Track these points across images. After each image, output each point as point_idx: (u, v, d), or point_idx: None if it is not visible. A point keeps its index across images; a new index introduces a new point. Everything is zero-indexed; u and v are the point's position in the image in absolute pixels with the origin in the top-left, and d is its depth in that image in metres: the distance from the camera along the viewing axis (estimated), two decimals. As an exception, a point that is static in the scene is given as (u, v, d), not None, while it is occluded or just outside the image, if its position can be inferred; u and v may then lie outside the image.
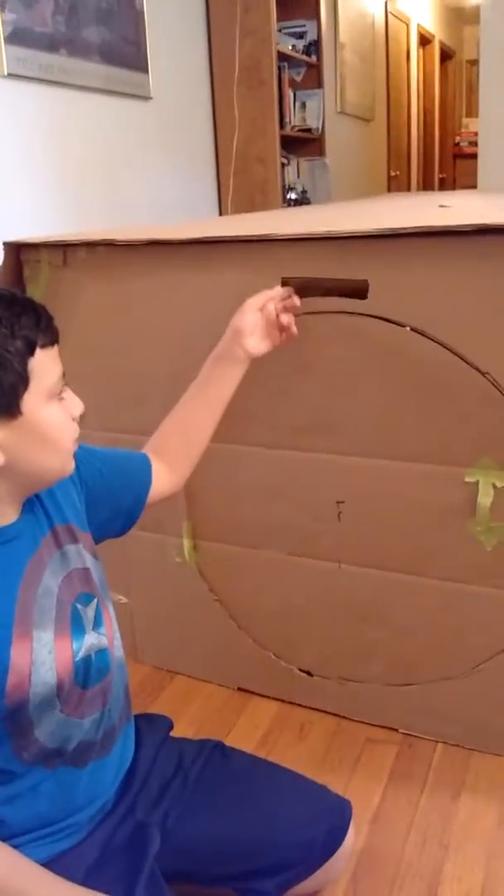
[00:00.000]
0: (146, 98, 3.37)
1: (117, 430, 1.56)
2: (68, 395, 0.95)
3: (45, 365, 0.89)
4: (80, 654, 0.98)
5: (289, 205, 4.16)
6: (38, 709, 0.93)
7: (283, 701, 1.66)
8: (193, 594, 1.67)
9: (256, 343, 1.25)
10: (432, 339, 1.30)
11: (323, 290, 1.30)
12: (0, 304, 0.86)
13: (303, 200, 4.32)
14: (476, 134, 4.03)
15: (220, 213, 4.00)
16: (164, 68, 3.46)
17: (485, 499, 1.34)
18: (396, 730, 1.56)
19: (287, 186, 4.19)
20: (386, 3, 6.09)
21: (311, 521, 1.50)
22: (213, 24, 3.79)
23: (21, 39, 2.65)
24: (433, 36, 7.73)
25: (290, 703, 1.65)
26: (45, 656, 0.93)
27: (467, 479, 1.34)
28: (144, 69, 3.32)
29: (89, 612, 1.01)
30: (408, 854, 1.29)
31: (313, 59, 4.46)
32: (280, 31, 4.03)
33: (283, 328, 1.26)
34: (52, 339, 0.91)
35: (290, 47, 4.26)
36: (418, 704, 1.52)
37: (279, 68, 3.91)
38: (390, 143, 6.50)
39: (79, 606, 1.00)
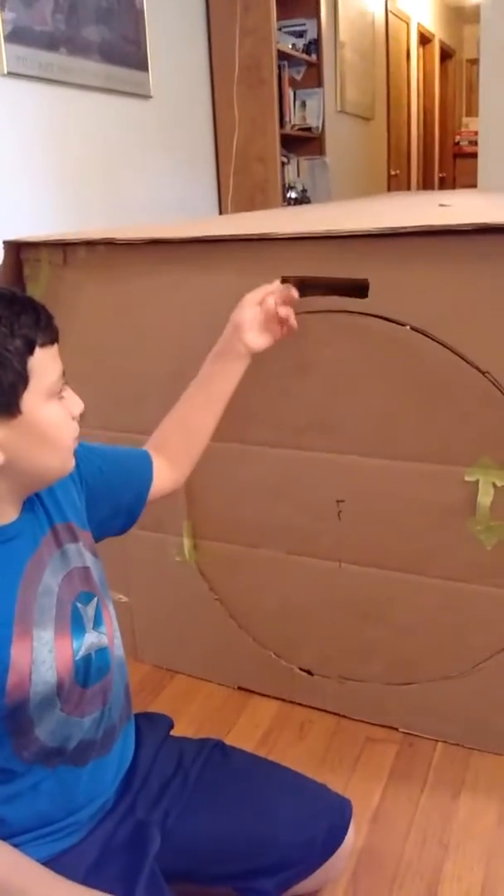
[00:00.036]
0: (146, 97, 3.37)
1: (117, 429, 1.56)
2: (68, 393, 0.95)
3: (44, 364, 0.89)
4: (81, 653, 0.98)
5: (289, 204, 4.16)
6: (39, 708, 0.93)
7: (283, 700, 1.66)
8: (194, 593, 1.67)
9: (256, 337, 1.25)
10: (432, 339, 1.30)
11: (322, 288, 1.30)
12: (0, 302, 0.86)
13: (303, 199, 4.32)
14: (476, 133, 4.03)
15: (220, 212, 4.00)
16: (164, 67, 3.46)
17: (485, 498, 1.34)
18: (396, 729, 1.56)
19: (287, 185, 4.19)
20: (386, 2, 6.09)
21: (312, 520, 1.50)
22: (212, 22, 3.79)
23: (21, 38, 2.65)
24: (433, 35, 7.73)
25: (291, 702, 1.65)
26: (45, 655, 0.93)
27: (467, 479, 1.34)
28: (144, 68, 3.32)
29: (89, 611, 1.01)
30: (408, 853, 1.29)
31: (313, 57, 4.46)
32: (280, 29, 4.03)
33: (282, 321, 1.26)
34: (52, 337, 0.91)
35: (290, 46, 4.25)
36: (418, 703, 1.52)
37: (279, 67, 3.91)
38: (390, 142, 6.50)
39: (79, 605, 1.00)
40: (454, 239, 1.24)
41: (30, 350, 0.87)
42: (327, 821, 1.13)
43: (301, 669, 1.62)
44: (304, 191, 4.37)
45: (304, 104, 4.45)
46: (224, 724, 1.60)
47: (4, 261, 1.56)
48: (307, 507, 1.50)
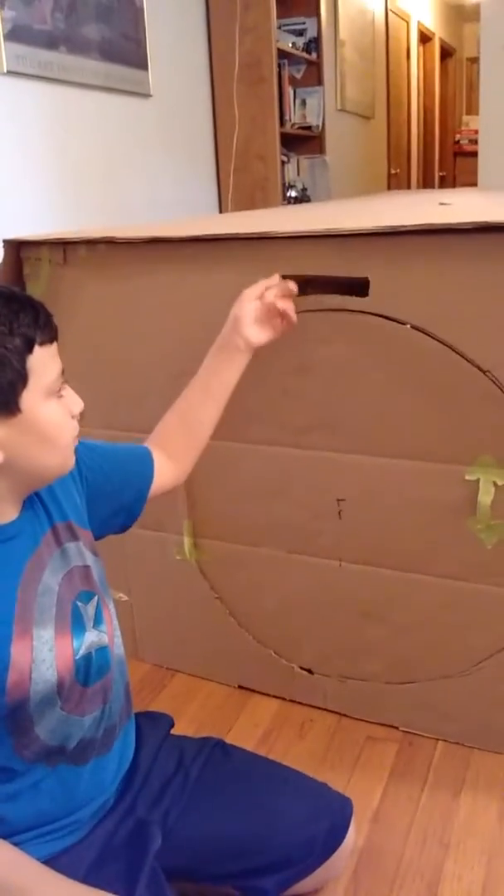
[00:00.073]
0: (146, 95, 3.36)
1: (118, 428, 1.56)
2: (68, 392, 0.94)
3: (43, 362, 0.89)
4: (81, 652, 0.98)
5: (289, 202, 4.16)
6: (39, 706, 0.93)
7: (283, 699, 1.66)
8: (194, 592, 1.67)
9: (256, 331, 1.25)
10: (433, 337, 1.30)
11: (323, 287, 1.30)
12: None
13: (303, 198, 4.32)
14: (476, 132, 4.02)
15: (220, 211, 4.00)
16: (164, 66, 3.45)
17: (485, 497, 1.34)
18: (397, 728, 1.56)
19: (287, 184, 4.19)
20: (386, 0, 6.08)
21: (312, 519, 1.50)
22: (212, 21, 3.79)
23: (20, 37, 2.64)
24: (433, 33, 7.73)
25: (291, 701, 1.65)
26: (45, 654, 0.93)
27: (468, 478, 1.34)
28: (144, 66, 3.31)
29: (90, 610, 1.01)
30: (408, 852, 1.29)
31: (313, 56, 4.46)
32: (280, 28, 4.02)
33: (281, 315, 1.26)
34: (51, 336, 0.91)
35: (290, 44, 4.25)
36: (419, 702, 1.52)
37: (279, 66, 3.91)
38: (390, 140, 6.49)
39: (79, 604, 1.00)
40: (455, 238, 1.24)
41: (29, 349, 0.87)
42: (328, 820, 1.13)
43: (301, 668, 1.62)
44: (304, 189, 4.37)
45: (304, 103, 4.45)
46: (224, 723, 1.60)
47: (4, 259, 1.56)
48: (307, 506, 1.50)
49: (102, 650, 1.02)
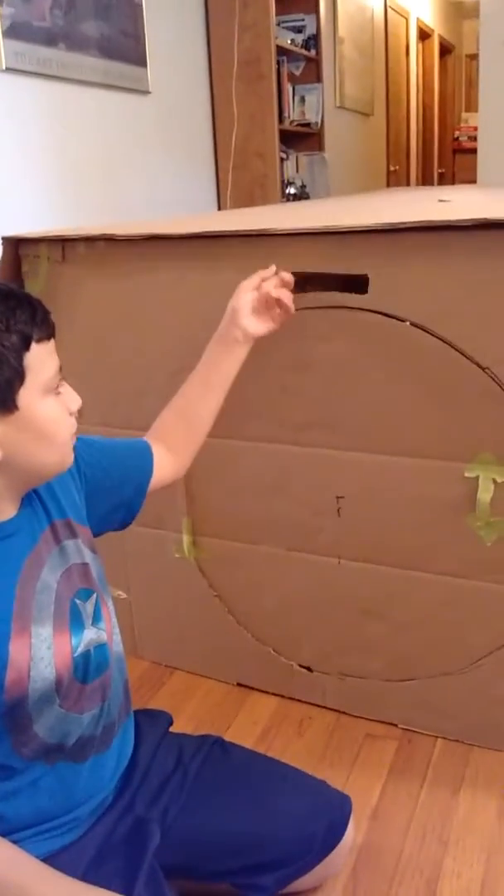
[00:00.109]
0: (145, 92, 3.36)
1: (117, 425, 1.56)
2: (66, 389, 0.94)
3: (41, 359, 0.88)
4: (80, 650, 0.98)
5: (288, 199, 4.16)
6: (38, 704, 0.93)
7: (282, 696, 1.66)
8: (193, 590, 1.67)
9: (254, 322, 1.25)
10: (432, 334, 1.30)
11: (322, 284, 1.30)
12: None
13: (302, 195, 4.32)
14: (475, 129, 4.02)
15: (219, 208, 3.99)
16: (163, 63, 3.45)
17: (485, 494, 1.34)
18: (396, 725, 1.56)
19: (286, 181, 4.19)
20: (385, -3, 6.08)
21: (311, 516, 1.50)
22: (211, 18, 3.79)
23: (19, 33, 2.64)
24: (433, 30, 7.72)
25: (290, 698, 1.65)
26: (43, 652, 0.93)
27: (467, 475, 1.34)
28: (143, 63, 3.31)
29: (88, 608, 1.01)
30: (407, 849, 1.29)
31: (312, 53, 4.46)
32: (279, 25, 4.02)
33: (279, 305, 1.26)
34: (48, 333, 0.90)
35: (289, 41, 4.25)
36: (418, 700, 1.52)
37: (278, 62, 3.91)
38: (389, 137, 6.49)
39: (77, 602, 1.00)
40: (454, 234, 1.24)
41: (26, 346, 0.87)
42: (327, 817, 1.13)
43: (300, 666, 1.62)
44: (303, 186, 4.36)
45: (303, 100, 4.45)
46: (223, 721, 1.60)
47: (3, 257, 1.56)
48: (307, 504, 1.50)
49: (101, 648, 1.02)
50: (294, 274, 1.29)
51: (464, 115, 8.82)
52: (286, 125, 4.13)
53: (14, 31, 2.62)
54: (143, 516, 1.20)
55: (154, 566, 1.71)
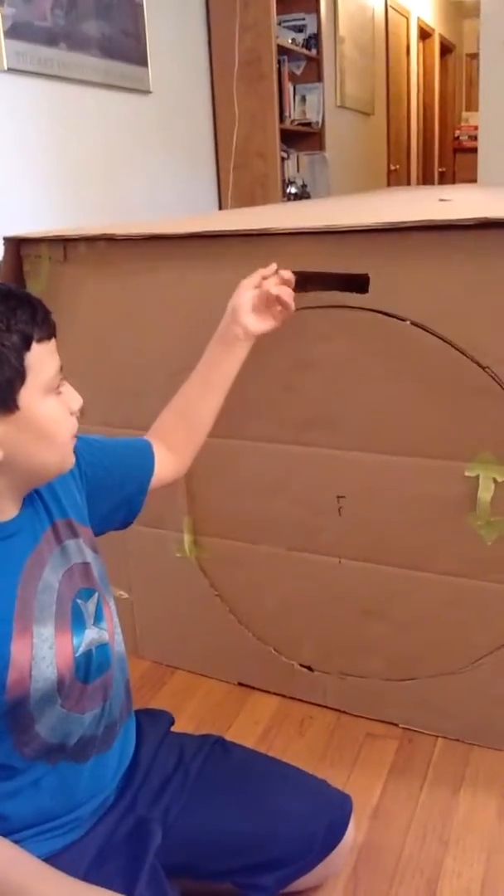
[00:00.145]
0: (146, 92, 3.36)
1: (118, 425, 1.56)
2: (66, 389, 0.94)
3: (41, 359, 0.88)
4: (81, 649, 0.98)
5: (288, 199, 4.16)
6: (39, 704, 0.93)
7: (283, 696, 1.66)
8: (194, 589, 1.67)
9: (255, 320, 1.25)
10: (433, 334, 1.30)
11: (323, 284, 1.30)
12: None
13: (303, 194, 4.32)
14: (476, 128, 4.02)
15: (220, 208, 3.99)
16: (164, 62, 3.45)
17: (485, 493, 1.34)
18: (396, 724, 1.56)
19: (287, 180, 4.19)
20: (386, -4, 6.08)
21: (312, 516, 1.50)
22: (212, 17, 3.79)
23: (20, 33, 2.64)
24: (433, 29, 7.71)
25: (291, 698, 1.65)
26: (45, 652, 0.93)
27: (467, 474, 1.34)
28: (144, 63, 3.31)
29: (90, 607, 1.01)
30: (408, 849, 1.29)
31: (313, 52, 4.45)
32: (280, 24, 4.02)
33: (280, 302, 1.26)
34: (49, 332, 0.90)
35: (290, 41, 4.25)
36: (418, 699, 1.52)
37: (279, 62, 3.91)
38: (390, 137, 6.48)
39: (79, 601, 1.00)
40: (455, 234, 1.24)
41: (26, 345, 0.87)
42: (328, 816, 1.13)
43: (301, 665, 1.62)
44: (303, 186, 4.36)
45: (303, 99, 4.45)
46: (224, 720, 1.60)
47: (4, 257, 1.56)
48: (308, 503, 1.50)
49: (103, 647, 1.02)
50: (294, 273, 1.29)
51: (464, 114, 8.82)
52: (287, 125, 4.13)
53: (15, 31, 2.62)
54: (145, 516, 1.20)
55: (155, 566, 1.71)
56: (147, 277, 1.51)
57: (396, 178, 6.69)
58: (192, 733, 1.23)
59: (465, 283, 1.27)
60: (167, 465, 1.21)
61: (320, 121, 4.51)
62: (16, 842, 0.93)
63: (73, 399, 0.95)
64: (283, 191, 4.07)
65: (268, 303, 1.26)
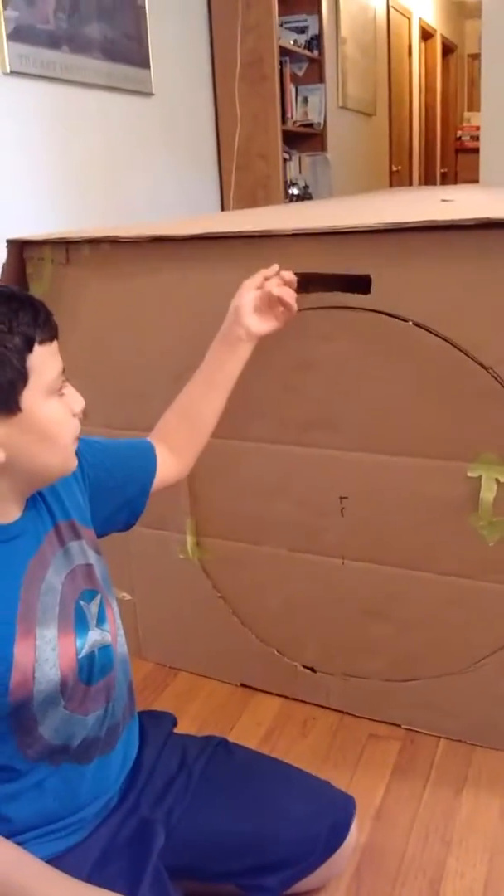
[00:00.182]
0: (148, 94, 3.36)
1: (121, 427, 1.56)
2: (69, 390, 0.94)
3: (44, 361, 0.89)
4: (84, 651, 0.98)
5: (291, 200, 4.16)
6: (42, 706, 0.94)
7: (285, 697, 1.66)
8: (197, 591, 1.67)
9: (257, 321, 1.25)
10: (435, 334, 1.30)
11: (324, 284, 1.30)
12: None
13: (304, 196, 4.32)
14: (478, 128, 4.02)
15: (222, 209, 4.00)
16: (166, 64, 3.45)
17: (487, 494, 1.34)
18: (399, 725, 1.56)
19: (289, 182, 4.19)
20: (387, -3, 6.08)
21: (315, 516, 1.50)
22: (214, 19, 3.79)
23: (23, 36, 2.65)
24: (435, 30, 7.71)
25: (293, 699, 1.65)
26: (48, 653, 0.93)
27: (470, 475, 1.34)
28: (146, 65, 3.31)
29: (93, 609, 1.01)
30: (411, 849, 1.29)
31: (315, 53, 4.45)
32: (281, 25, 4.02)
33: (282, 303, 1.26)
34: (51, 334, 0.91)
35: (292, 42, 4.25)
36: (421, 700, 1.52)
37: (281, 63, 3.91)
38: (392, 137, 6.48)
39: (82, 603, 1.00)
40: (457, 234, 1.24)
41: (29, 347, 0.87)
42: (331, 818, 1.13)
43: (304, 666, 1.62)
44: (305, 187, 4.36)
45: (305, 100, 4.45)
46: (227, 722, 1.60)
47: (7, 260, 1.56)
48: (310, 504, 1.50)
49: (105, 649, 1.02)
50: (297, 274, 1.29)
51: (466, 114, 8.81)
52: (289, 126, 4.13)
53: (18, 34, 2.62)
54: (147, 517, 1.20)
55: (158, 567, 1.71)
56: (149, 279, 1.51)
57: (398, 178, 6.69)
58: (195, 734, 1.23)
59: (468, 283, 1.27)
60: (169, 466, 1.21)
61: (322, 122, 4.51)
62: (19, 843, 0.93)
63: (75, 401, 0.95)
64: (285, 192, 4.07)
65: (270, 304, 1.26)
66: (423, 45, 7.45)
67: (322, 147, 4.56)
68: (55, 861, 0.94)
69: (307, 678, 1.62)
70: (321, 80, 4.51)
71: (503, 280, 1.24)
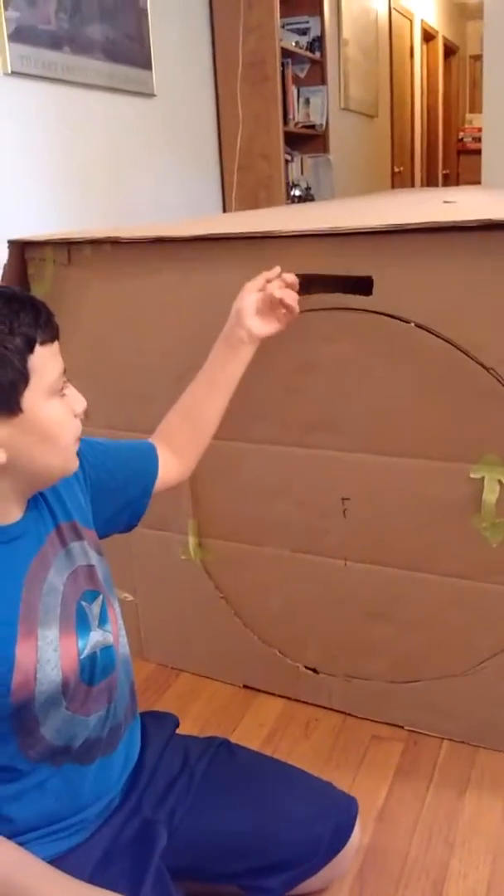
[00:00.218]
0: (150, 95, 3.36)
1: (122, 428, 1.56)
2: (70, 391, 0.94)
3: (45, 361, 0.89)
4: (86, 652, 0.98)
5: (293, 201, 4.16)
6: (44, 706, 0.94)
7: (288, 698, 1.66)
8: (199, 592, 1.67)
9: (259, 323, 1.25)
10: (437, 335, 1.30)
11: (326, 285, 1.30)
12: None
13: (307, 197, 4.32)
14: (480, 130, 4.02)
15: (224, 210, 4.00)
16: (168, 65, 3.45)
17: (490, 495, 1.33)
18: (402, 727, 1.56)
19: (291, 183, 4.19)
20: (389, -2, 6.08)
21: (317, 518, 1.50)
22: (216, 20, 3.79)
23: (24, 37, 2.65)
24: (437, 31, 7.71)
25: (296, 700, 1.65)
26: (50, 654, 0.93)
27: (472, 476, 1.34)
28: (148, 66, 3.31)
29: (94, 610, 1.01)
30: (413, 851, 1.29)
31: (317, 55, 4.45)
32: (283, 27, 4.02)
33: (284, 305, 1.26)
34: (52, 335, 0.91)
35: (294, 43, 4.25)
36: (423, 701, 1.52)
37: (283, 64, 3.91)
38: (394, 139, 6.48)
39: (84, 604, 1.00)
40: (459, 235, 1.24)
41: (30, 348, 0.87)
42: (333, 819, 1.13)
43: (306, 668, 1.62)
44: (307, 188, 4.37)
45: (307, 101, 4.45)
46: (229, 723, 1.60)
47: (9, 260, 1.56)
48: (312, 505, 1.50)
49: (107, 650, 1.02)
50: (298, 275, 1.29)
51: (468, 116, 8.80)
52: (291, 127, 4.13)
53: (19, 35, 2.62)
54: (149, 518, 1.20)
55: (160, 568, 1.71)
56: (151, 280, 1.51)
57: (400, 180, 6.69)
58: (198, 735, 1.23)
59: (470, 284, 1.27)
60: (171, 467, 1.21)
61: (324, 123, 4.51)
62: (21, 844, 0.93)
63: (76, 401, 0.95)
64: (287, 193, 4.07)
65: (272, 306, 1.26)
66: (424, 46, 7.45)
67: (324, 148, 4.56)
68: (57, 862, 0.94)
69: (309, 679, 1.62)
70: (323, 81, 4.51)
71: (505, 280, 1.24)
